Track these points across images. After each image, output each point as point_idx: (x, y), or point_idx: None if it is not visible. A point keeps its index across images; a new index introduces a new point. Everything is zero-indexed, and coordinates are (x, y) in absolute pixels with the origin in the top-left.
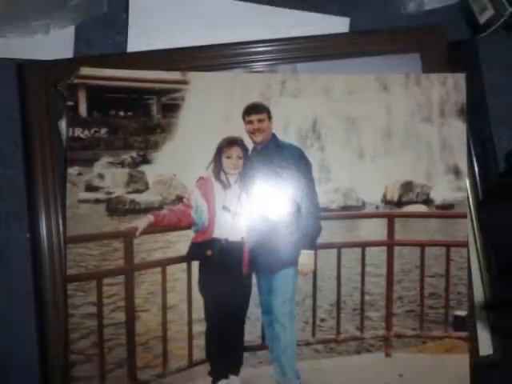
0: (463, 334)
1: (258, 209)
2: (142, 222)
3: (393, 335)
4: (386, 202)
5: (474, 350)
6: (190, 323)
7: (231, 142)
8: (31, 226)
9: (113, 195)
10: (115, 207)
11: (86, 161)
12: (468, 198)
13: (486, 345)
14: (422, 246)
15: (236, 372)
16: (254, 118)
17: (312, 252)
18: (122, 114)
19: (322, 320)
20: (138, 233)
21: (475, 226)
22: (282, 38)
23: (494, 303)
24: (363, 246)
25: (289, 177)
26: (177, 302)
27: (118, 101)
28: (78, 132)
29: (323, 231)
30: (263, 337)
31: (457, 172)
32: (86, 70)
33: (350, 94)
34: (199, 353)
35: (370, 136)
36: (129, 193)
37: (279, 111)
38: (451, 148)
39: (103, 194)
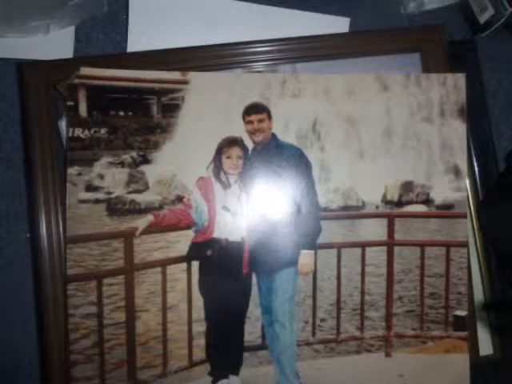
0: (463, 333)
1: (258, 209)
2: (142, 222)
3: (393, 335)
4: (386, 201)
5: (474, 350)
6: (189, 323)
7: (231, 142)
8: (31, 226)
9: (113, 195)
10: (115, 207)
11: (86, 161)
12: (468, 197)
13: (486, 345)
14: (421, 246)
15: (236, 372)
16: (254, 118)
17: (312, 252)
18: (122, 113)
19: (322, 320)
20: (137, 233)
21: (475, 226)
22: (282, 38)
23: (493, 303)
24: (363, 246)
25: (289, 177)
26: (177, 302)
27: (118, 101)
28: (78, 132)
29: (323, 231)
30: (263, 337)
31: (457, 172)
32: (86, 70)
33: (349, 94)
34: (199, 353)
35: (370, 136)
36: (129, 193)
37: (279, 111)
38: (451, 148)
39: (103, 193)
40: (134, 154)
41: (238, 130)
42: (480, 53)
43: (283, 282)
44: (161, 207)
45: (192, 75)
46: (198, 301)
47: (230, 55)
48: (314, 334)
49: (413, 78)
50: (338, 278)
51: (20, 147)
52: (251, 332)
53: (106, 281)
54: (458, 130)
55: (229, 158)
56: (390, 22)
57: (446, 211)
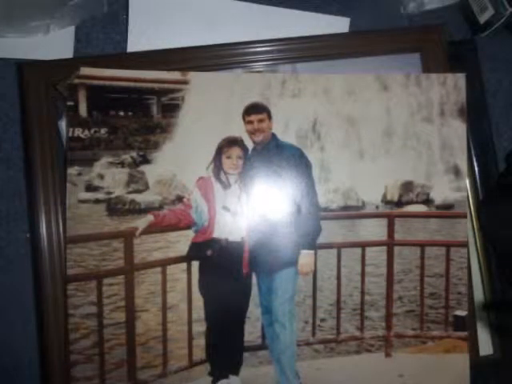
0: (463, 333)
1: (258, 209)
2: (142, 222)
3: (393, 335)
4: (386, 201)
5: (474, 349)
6: (189, 323)
7: (231, 142)
8: (31, 226)
9: (113, 195)
10: (115, 207)
11: (86, 161)
12: (468, 197)
13: (486, 345)
14: (421, 246)
15: (236, 372)
16: (254, 118)
17: (312, 252)
18: (122, 113)
19: (322, 320)
20: (137, 233)
21: (475, 226)
22: (282, 38)
23: (493, 303)
24: (363, 246)
25: (289, 177)
26: (177, 302)
27: (118, 101)
28: (78, 132)
29: (323, 231)
30: (263, 337)
31: (457, 172)
32: (86, 70)
33: (349, 94)
34: (199, 353)
35: (370, 136)
36: (129, 193)
37: (279, 111)
38: (451, 148)
39: (103, 193)
40: (134, 153)
41: (238, 129)
42: (480, 53)
43: (283, 282)
44: (161, 207)
45: (192, 75)
46: (198, 301)
47: (229, 55)
48: (314, 333)
49: (413, 78)
50: (338, 278)
51: (20, 147)
52: (251, 332)
53: (106, 281)
54: (458, 130)
55: (229, 158)
56: (390, 22)
57: (446, 211)
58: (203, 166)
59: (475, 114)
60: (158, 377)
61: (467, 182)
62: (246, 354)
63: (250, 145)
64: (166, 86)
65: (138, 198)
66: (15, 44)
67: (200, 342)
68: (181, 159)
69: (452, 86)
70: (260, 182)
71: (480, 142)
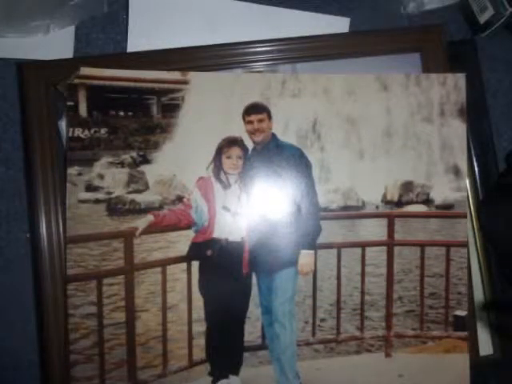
0: (463, 334)
1: (258, 209)
2: (142, 222)
3: (393, 335)
4: (386, 201)
5: (474, 350)
6: (189, 323)
7: (231, 142)
8: (31, 226)
9: (113, 195)
10: (115, 207)
11: (86, 161)
12: (468, 198)
13: (486, 345)
14: (421, 246)
15: (236, 372)
16: (253, 118)
17: (312, 252)
18: (122, 113)
19: (322, 320)
20: (137, 233)
21: (475, 226)
22: (282, 38)
23: (493, 303)
24: (363, 246)
25: (289, 177)
26: (177, 302)
27: (117, 101)
28: (78, 132)
29: (323, 231)
30: (263, 337)
31: (457, 172)
32: (86, 70)
33: (349, 94)
34: (199, 353)
35: (370, 136)
36: (129, 193)
37: (279, 111)
38: (451, 148)
39: (103, 193)
40: (134, 154)
41: (238, 130)
42: (480, 53)
43: (283, 282)
44: (161, 207)
45: (192, 75)
46: (198, 301)
47: (230, 55)
48: (314, 333)
49: (413, 78)
50: (338, 278)
51: (20, 147)
52: (251, 332)
53: (106, 281)
54: (457, 129)
55: (229, 157)
56: (389, 22)
57: (446, 211)
58: (203, 166)
59: (475, 114)
60: (157, 377)
61: (467, 182)
62: (246, 354)
63: (250, 145)
64: (166, 85)
65: (138, 198)
66: (15, 44)
67: (200, 342)
68: (181, 159)
69: (452, 86)
70: (260, 181)
71: (480, 141)
